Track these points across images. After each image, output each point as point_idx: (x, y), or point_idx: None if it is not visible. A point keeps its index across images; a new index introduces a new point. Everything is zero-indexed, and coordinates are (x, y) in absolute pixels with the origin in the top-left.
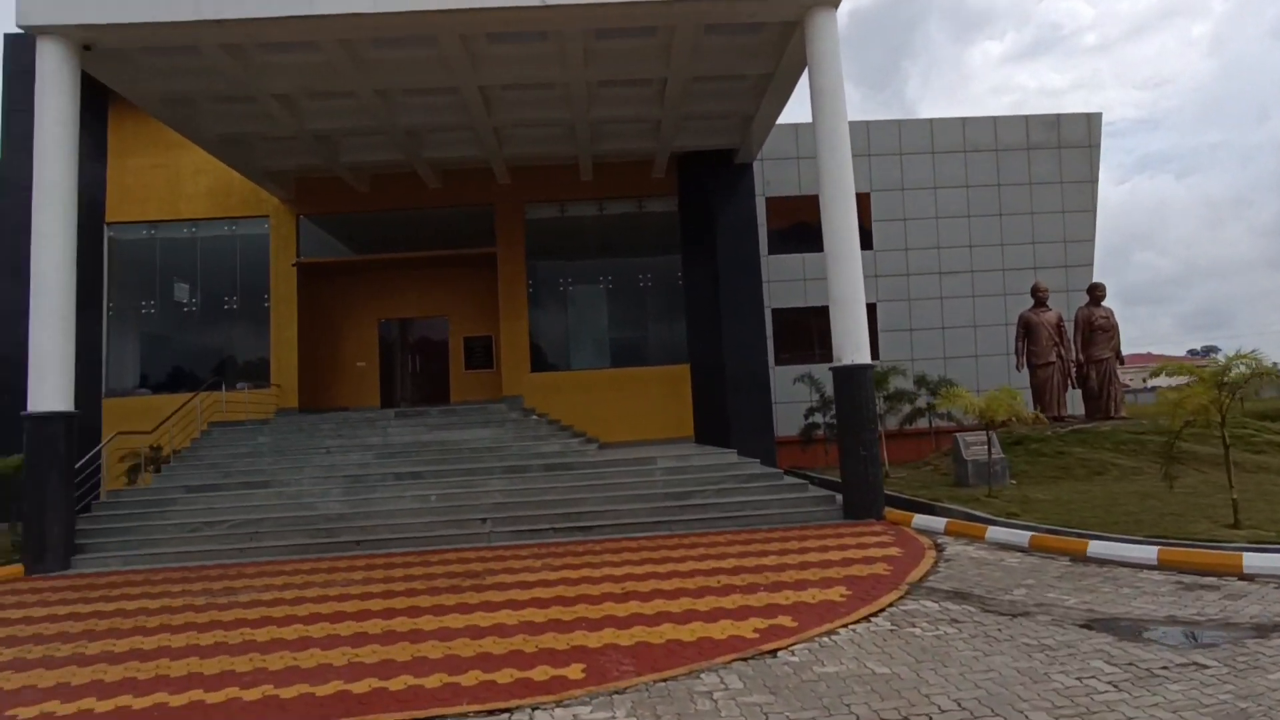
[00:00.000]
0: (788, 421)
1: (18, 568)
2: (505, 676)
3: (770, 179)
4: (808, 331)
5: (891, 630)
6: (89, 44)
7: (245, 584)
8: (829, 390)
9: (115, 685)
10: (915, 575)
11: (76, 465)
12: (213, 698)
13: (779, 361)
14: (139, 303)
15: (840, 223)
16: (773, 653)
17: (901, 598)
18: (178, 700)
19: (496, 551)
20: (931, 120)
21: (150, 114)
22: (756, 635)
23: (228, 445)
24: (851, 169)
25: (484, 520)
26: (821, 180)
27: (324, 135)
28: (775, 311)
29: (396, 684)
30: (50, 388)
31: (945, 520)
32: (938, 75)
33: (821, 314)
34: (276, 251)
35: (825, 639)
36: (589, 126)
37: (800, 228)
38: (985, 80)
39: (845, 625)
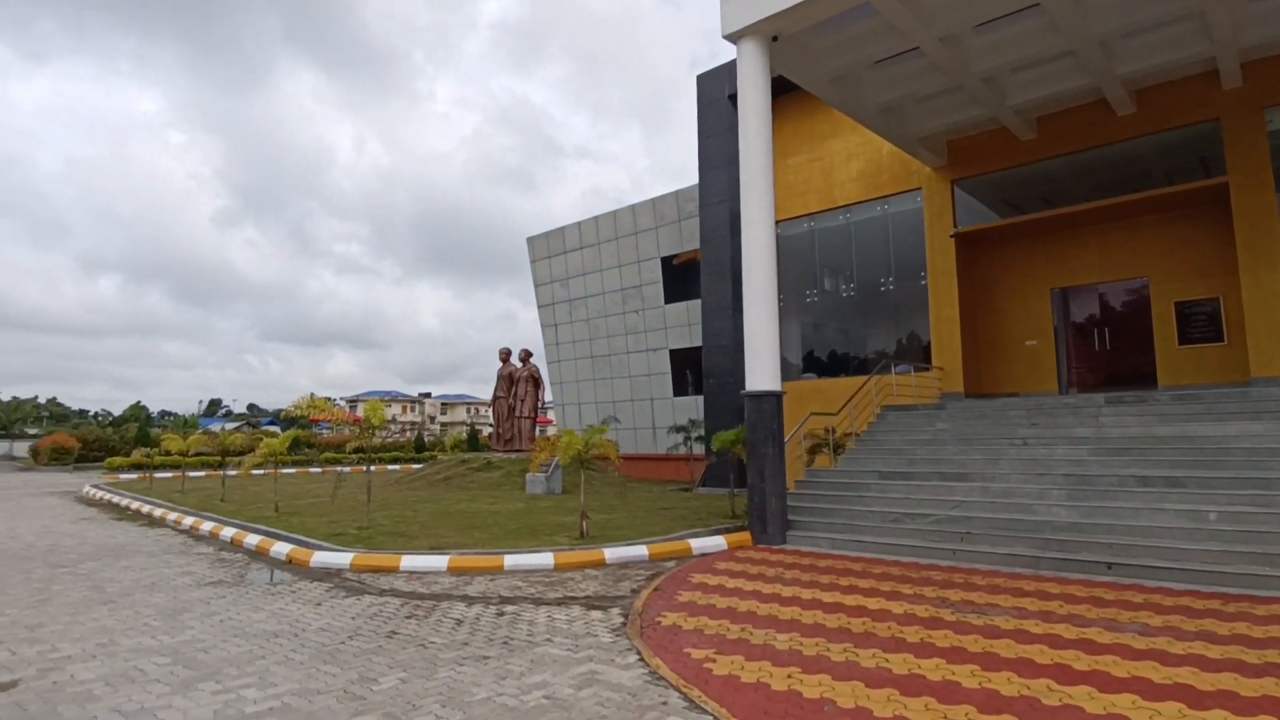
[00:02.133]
0: None
1: (746, 535)
2: None
3: None
4: None
5: None
6: (776, 35)
7: (986, 600)
8: None
9: None
10: None
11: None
12: None
13: None
14: (803, 292)
15: None
16: None
17: None
18: None
19: None
20: None
21: (819, 96)
22: None
23: (905, 431)
24: None
25: None
26: None
27: (989, 77)
28: None
29: None
30: (762, 368)
31: None
32: None
33: None
34: (931, 224)
35: None
36: None
37: None
38: None
39: None
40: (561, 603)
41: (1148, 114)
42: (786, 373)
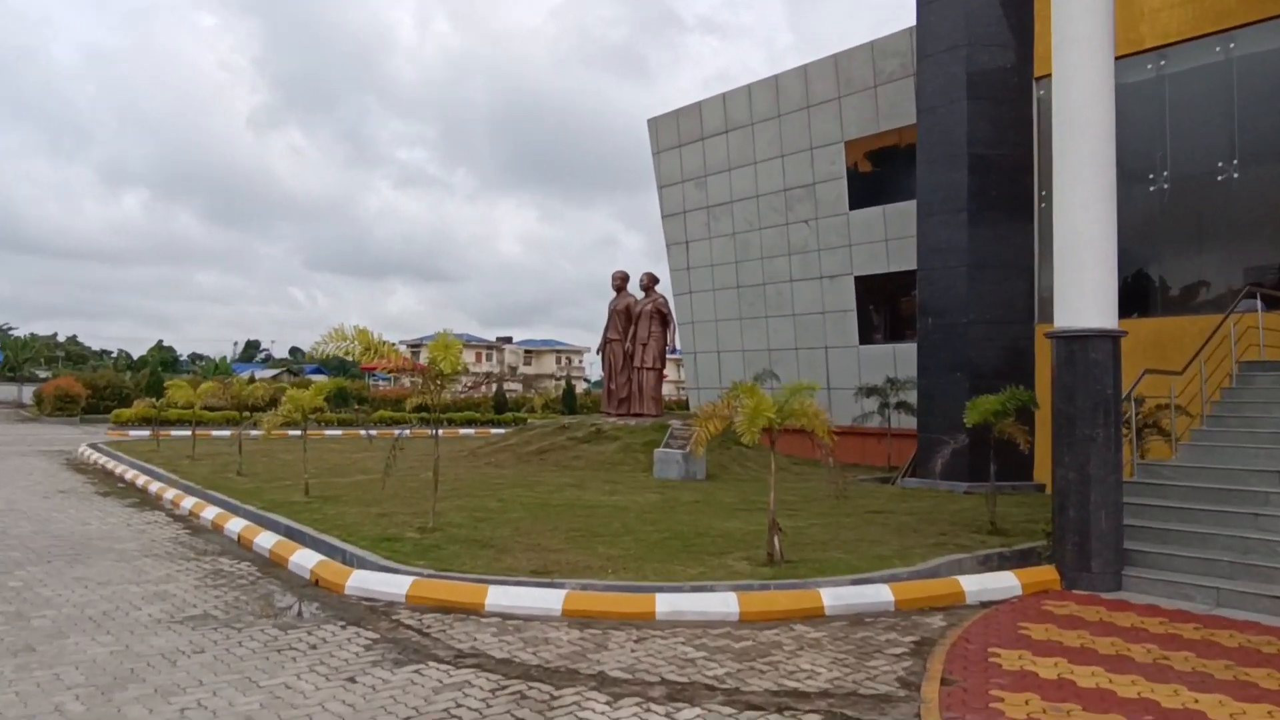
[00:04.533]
0: None
1: (1048, 571)
2: None
3: None
4: None
5: None
6: None
7: None
8: None
9: None
10: None
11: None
12: None
13: None
14: None
15: None
16: None
17: None
18: None
19: None
20: None
21: None
22: None
23: None
24: None
25: None
26: None
27: None
28: None
29: None
30: (1089, 289)
31: None
32: None
33: None
34: None
35: None
36: None
37: None
38: None
39: None
40: (782, 708)
41: None
42: (1045, 310)
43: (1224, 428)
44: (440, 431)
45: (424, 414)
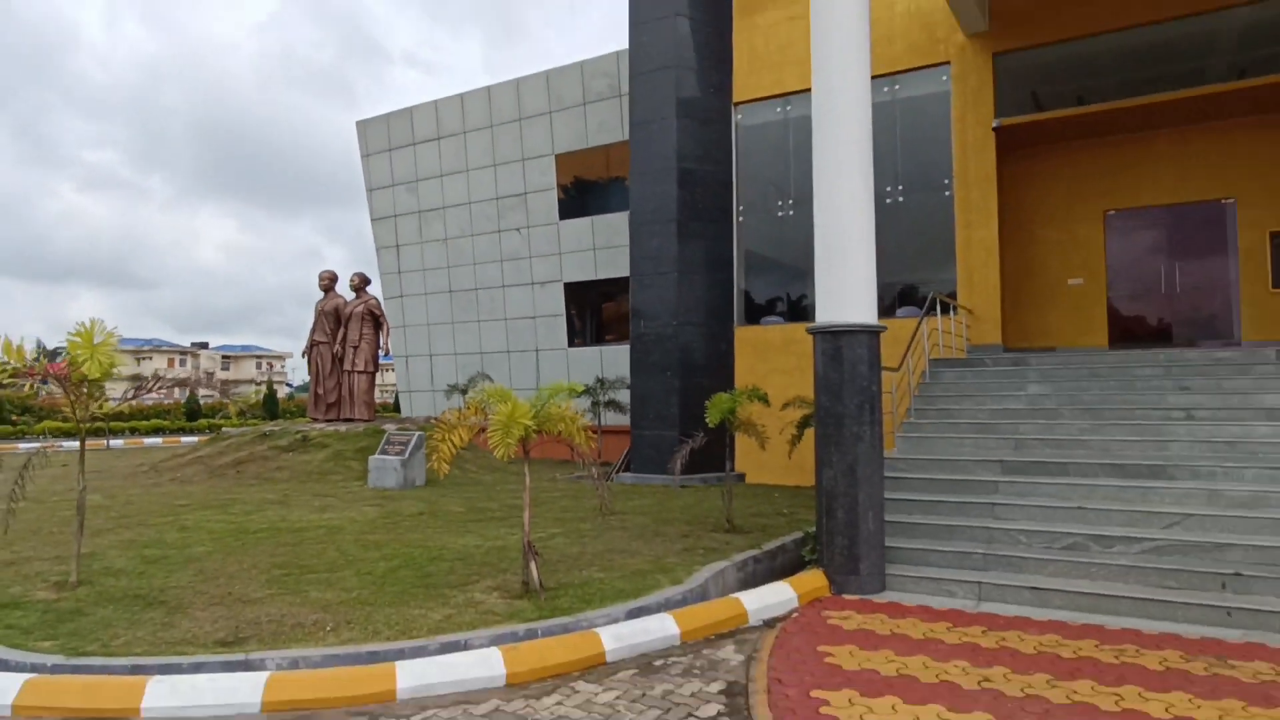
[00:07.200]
0: None
1: (816, 577)
2: None
3: None
4: None
5: None
6: None
7: None
8: None
9: None
10: None
11: None
12: None
13: None
14: (772, 205)
15: None
16: None
17: None
18: None
19: None
20: None
21: None
22: None
23: (981, 396)
24: None
25: None
26: None
27: None
28: None
29: None
30: (851, 287)
31: None
32: None
33: None
34: (961, 113)
35: None
36: None
37: None
38: None
39: None
40: None
41: None
42: (746, 313)
43: (927, 419)
44: (120, 443)
45: (99, 424)
